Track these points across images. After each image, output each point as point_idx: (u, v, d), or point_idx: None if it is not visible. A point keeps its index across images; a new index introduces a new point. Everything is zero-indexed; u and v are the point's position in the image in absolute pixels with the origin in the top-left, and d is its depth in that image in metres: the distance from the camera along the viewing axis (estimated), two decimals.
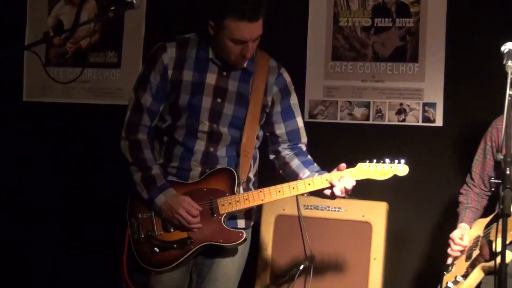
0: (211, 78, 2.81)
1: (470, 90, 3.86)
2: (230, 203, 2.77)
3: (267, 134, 2.99)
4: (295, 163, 2.91)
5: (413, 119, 3.98)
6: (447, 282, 3.10)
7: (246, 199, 2.77)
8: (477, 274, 3.01)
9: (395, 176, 2.74)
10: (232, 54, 2.73)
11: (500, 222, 2.46)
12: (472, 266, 3.04)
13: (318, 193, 2.79)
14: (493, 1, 3.86)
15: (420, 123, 3.97)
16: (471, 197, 3.25)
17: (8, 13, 4.61)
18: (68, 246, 4.38)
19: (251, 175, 2.92)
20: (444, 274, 3.15)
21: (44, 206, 4.50)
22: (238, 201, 2.77)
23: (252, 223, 2.97)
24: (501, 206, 2.41)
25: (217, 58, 2.80)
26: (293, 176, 2.87)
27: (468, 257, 3.08)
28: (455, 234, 3.10)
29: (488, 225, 3.04)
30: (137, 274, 2.78)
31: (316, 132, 3.70)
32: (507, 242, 2.55)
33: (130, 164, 2.79)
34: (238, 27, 2.64)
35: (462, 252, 3.09)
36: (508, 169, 2.43)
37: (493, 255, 2.88)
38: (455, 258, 3.13)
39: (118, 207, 2.88)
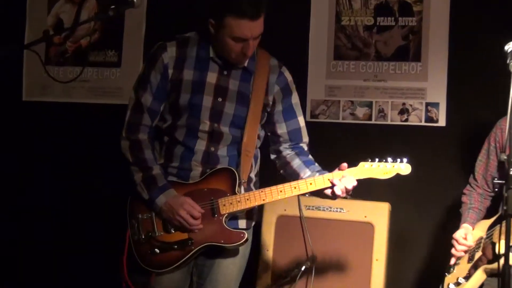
0: (211, 77, 2.80)
1: (473, 89, 3.85)
2: (231, 203, 2.76)
3: (268, 133, 2.98)
4: (296, 163, 2.90)
5: (416, 119, 3.97)
6: (449, 284, 3.10)
7: (247, 199, 2.76)
8: (479, 276, 3.01)
9: (397, 175, 2.73)
10: (233, 52, 2.72)
11: (504, 223, 2.45)
12: (474, 268, 3.04)
13: (319, 193, 2.78)
14: (497, 0, 3.84)
15: (423, 123, 3.96)
16: (474, 197, 3.25)
17: (8, 12, 4.61)
18: (68, 246, 4.38)
19: (253, 175, 2.92)
20: (445, 275, 3.14)
21: (44, 205, 4.49)
22: (239, 201, 2.76)
23: (253, 224, 2.96)
24: (505, 207, 2.41)
25: (217, 57, 2.79)
26: (294, 176, 2.86)
27: (470, 259, 3.07)
28: (458, 234, 3.10)
29: (491, 227, 3.04)
30: (137, 275, 2.77)
31: (318, 132, 3.70)
32: (511, 244, 2.53)
33: (131, 164, 2.78)
34: (239, 25, 2.63)
35: (466, 252, 3.07)
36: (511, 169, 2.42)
37: (495, 257, 2.88)
38: (458, 258, 3.12)
39: (118, 207, 2.87)
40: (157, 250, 2.74)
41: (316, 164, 2.88)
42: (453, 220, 3.30)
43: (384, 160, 2.74)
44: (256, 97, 2.83)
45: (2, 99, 4.59)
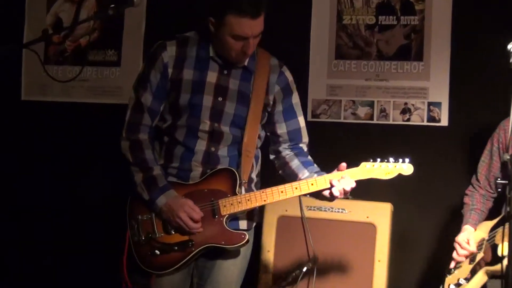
0: (211, 77, 2.79)
1: (475, 89, 3.84)
2: (231, 204, 2.74)
3: (268, 133, 2.98)
4: (294, 163, 2.89)
5: (418, 119, 3.95)
6: (449, 285, 3.10)
7: (248, 200, 2.74)
8: (481, 278, 3.00)
9: (399, 175, 2.72)
10: (233, 51, 2.71)
11: (507, 225, 2.44)
12: (475, 269, 3.03)
13: (317, 195, 2.77)
14: None
15: (425, 123, 3.94)
16: (477, 198, 3.24)
17: (7, 11, 4.60)
18: (68, 246, 4.38)
19: (253, 175, 2.91)
20: (446, 276, 3.13)
21: (44, 206, 4.48)
22: (240, 202, 2.74)
23: (254, 225, 2.94)
24: (508, 209, 2.40)
25: (217, 56, 2.79)
26: (293, 176, 2.86)
27: (471, 260, 3.07)
28: (461, 238, 3.09)
29: (494, 228, 3.02)
30: (137, 276, 2.77)
31: (319, 132, 3.70)
32: None
33: (131, 165, 2.77)
34: (239, 23, 2.62)
35: (467, 257, 3.06)
36: None
37: (497, 259, 2.87)
38: (459, 262, 3.10)
39: (118, 207, 2.86)
40: (157, 252, 2.73)
41: (315, 165, 2.87)
42: (455, 221, 3.30)
43: (386, 160, 2.73)
44: (257, 96, 2.82)
45: (1, 98, 4.58)
